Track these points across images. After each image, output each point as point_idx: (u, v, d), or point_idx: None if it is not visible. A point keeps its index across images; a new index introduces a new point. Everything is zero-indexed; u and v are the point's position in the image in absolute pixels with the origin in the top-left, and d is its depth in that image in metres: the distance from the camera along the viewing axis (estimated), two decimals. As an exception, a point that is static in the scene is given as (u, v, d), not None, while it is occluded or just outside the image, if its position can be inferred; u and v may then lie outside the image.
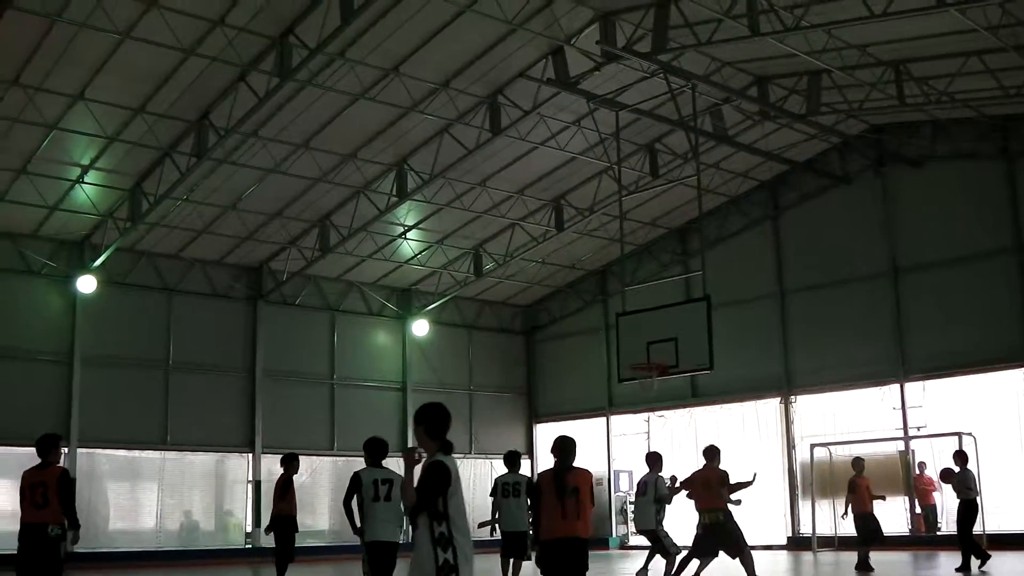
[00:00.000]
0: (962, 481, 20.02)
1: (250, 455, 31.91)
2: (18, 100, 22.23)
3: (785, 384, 31.96)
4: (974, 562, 19.67)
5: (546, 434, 38.13)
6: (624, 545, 35.51)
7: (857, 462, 21.76)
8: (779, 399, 32.13)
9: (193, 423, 30.75)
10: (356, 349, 35.05)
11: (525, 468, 23.46)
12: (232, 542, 31.50)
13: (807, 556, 27.38)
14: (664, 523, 18.49)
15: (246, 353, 32.43)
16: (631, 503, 35.30)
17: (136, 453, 30.26)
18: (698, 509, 17.60)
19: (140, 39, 20.41)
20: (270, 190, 28.01)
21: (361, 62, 22.63)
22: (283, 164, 26.60)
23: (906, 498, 28.52)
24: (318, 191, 28.43)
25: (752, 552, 17.47)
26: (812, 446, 29.72)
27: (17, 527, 13.17)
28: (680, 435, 34.10)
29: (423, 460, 7.93)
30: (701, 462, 17.63)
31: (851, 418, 30.52)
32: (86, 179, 26.14)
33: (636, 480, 35.45)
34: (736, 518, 17.54)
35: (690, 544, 18.24)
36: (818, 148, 30.94)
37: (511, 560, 17.78)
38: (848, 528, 26.63)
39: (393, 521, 13.35)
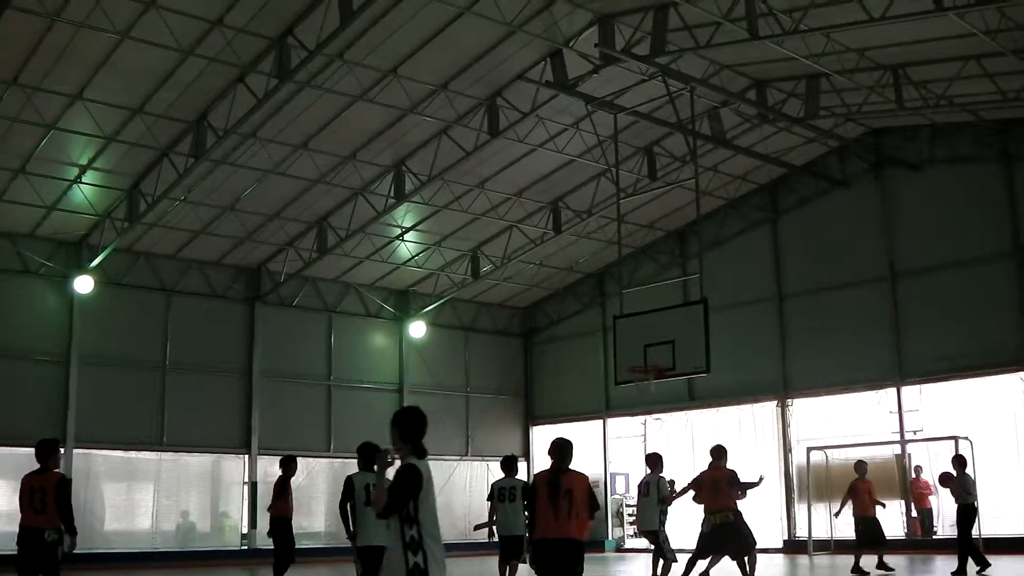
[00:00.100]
0: (961, 485, 20.02)
1: (246, 456, 31.91)
2: (16, 100, 22.23)
3: (782, 387, 31.95)
4: (972, 567, 19.65)
5: (543, 436, 38.11)
6: (620, 548, 35.51)
7: (859, 465, 21.77)
8: (776, 402, 32.12)
9: (190, 424, 30.72)
10: (353, 350, 35.04)
11: (522, 471, 23.49)
12: (228, 543, 31.49)
13: (803, 559, 27.38)
14: (666, 525, 18.48)
15: (243, 354, 32.42)
16: (628, 505, 35.54)
17: (132, 454, 30.24)
18: (708, 510, 17.65)
19: (139, 39, 20.40)
20: (268, 191, 28.00)
21: (360, 63, 22.63)
22: (281, 165, 26.59)
23: (902, 502, 28.50)
24: (316, 192, 28.43)
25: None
26: (809, 449, 29.72)
27: (13, 528, 13.25)
28: (677, 438, 34.05)
29: (394, 463, 7.93)
30: (697, 464, 17.68)
31: (848, 421, 30.49)
32: (84, 179, 26.13)
33: (636, 482, 35.73)
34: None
35: (696, 545, 18.29)
36: (817, 151, 30.95)
37: (508, 563, 17.79)
38: (843, 531, 26.80)
39: (385, 525, 13.33)
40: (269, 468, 31.32)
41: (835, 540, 27.63)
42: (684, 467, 29.28)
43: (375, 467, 7.98)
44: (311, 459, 32.38)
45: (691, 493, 18.23)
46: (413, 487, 7.63)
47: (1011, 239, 27.63)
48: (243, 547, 31.25)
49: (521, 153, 27.91)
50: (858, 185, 30.91)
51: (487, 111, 25.46)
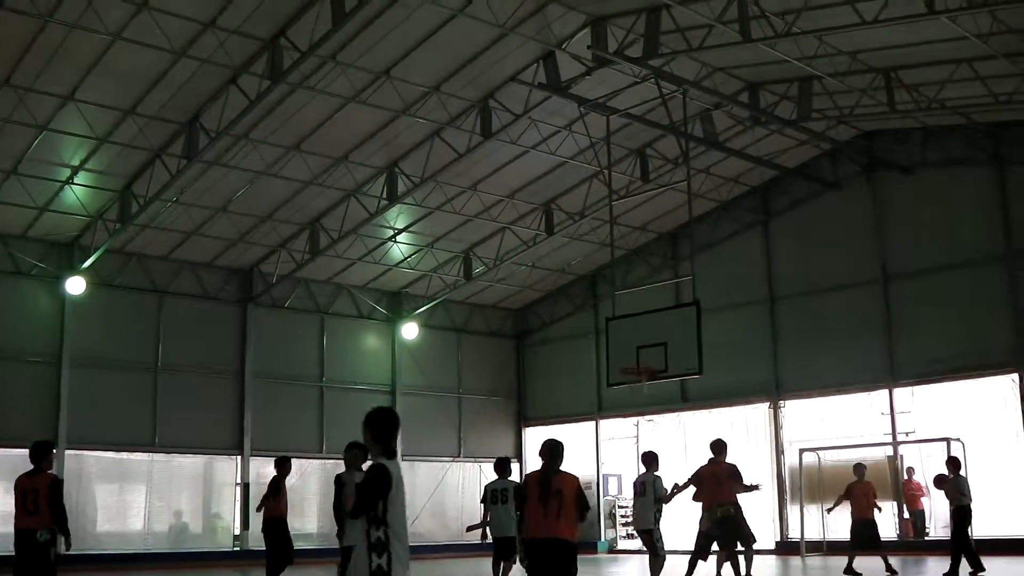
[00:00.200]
0: (956, 487, 20.07)
1: (239, 457, 31.88)
2: (9, 100, 22.20)
3: (774, 389, 31.99)
4: (965, 569, 19.69)
5: (535, 438, 38.06)
6: (612, 549, 35.51)
7: (857, 468, 21.80)
8: (768, 404, 32.16)
9: (182, 425, 30.68)
10: (345, 352, 35.04)
11: (515, 473, 23.48)
12: (220, 544, 31.46)
13: (795, 561, 27.42)
14: (661, 524, 18.51)
15: (235, 355, 32.39)
16: (621, 507, 35.58)
17: (124, 455, 30.19)
18: (709, 504, 17.76)
19: (131, 40, 20.38)
20: (260, 192, 27.99)
21: (352, 65, 22.64)
22: (274, 167, 26.58)
23: (894, 503, 28.55)
24: (309, 194, 28.42)
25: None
26: (801, 451, 29.76)
27: (8, 529, 13.33)
28: (669, 440, 34.07)
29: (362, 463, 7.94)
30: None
31: (840, 423, 30.55)
32: (76, 180, 26.11)
33: (628, 483, 35.73)
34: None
35: (695, 544, 18.40)
36: (809, 154, 30.99)
37: (501, 564, 17.83)
38: (836, 532, 26.87)
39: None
40: (261, 469, 31.29)
41: (827, 541, 27.70)
42: (677, 468, 29.27)
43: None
44: (303, 460, 32.33)
45: (691, 490, 18.35)
46: (382, 487, 7.61)
47: (1002, 242, 27.69)
48: (235, 548, 31.22)
49: (514, 155, 27.91)
50: (850, 187, 30.95)
51: (480, 113, 25.47)
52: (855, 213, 30.70)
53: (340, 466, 14.73)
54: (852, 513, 21.29)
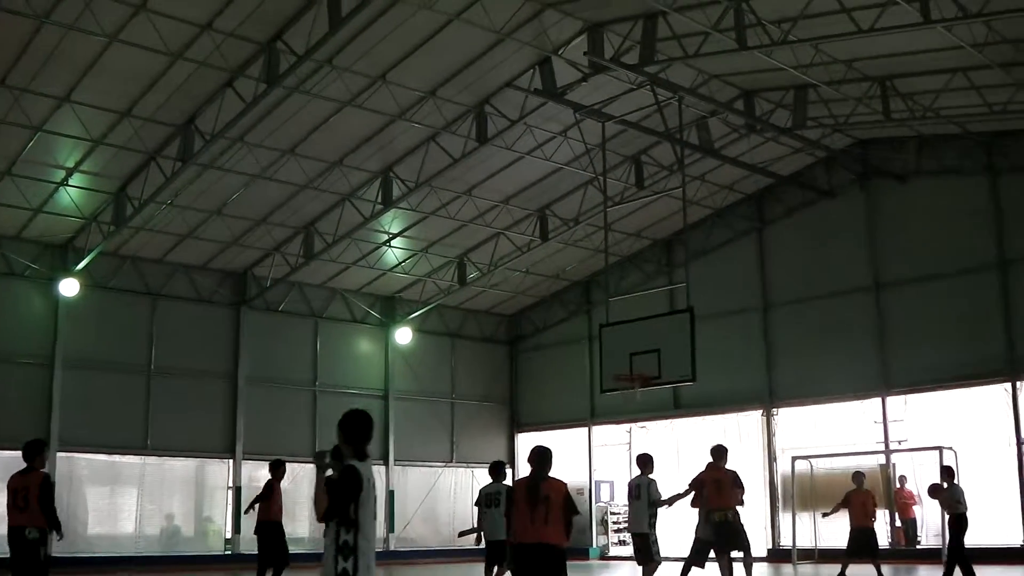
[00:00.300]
0: (952, 496, 20.09)
1: (231, 461, 31.85)
2: (4, 101, 22.17)
3: (767, 396, 32.00)
4: None
5: (528, 444, 37.82)
6: (604, 555, 35.50)
7: (856, 476, 21.79)
8: (761, 411, 32.17)
9: (174, 428, 30.62)
10: (339, 356, 35.01)
11: (509, 477, 23.48)
12: (212, 548, 31.42)
13: (787, 568, 27.43)
14: (656, 527, 18.51)
15: (229, 359, 32.35)
16: (613, 513, 35.58)
17: (116, 458, 30.14)
18: (708, 509, 17.82)
19: (127, 42, 20.37)
20: (255, 196, 27.97)
21: (348, 69, 22.64)
22: (269, 170, 26.56)
23: (886, 511, 28.56)
24: (303, 198, 28.41)
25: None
26: (793, 459, 29.78)
27: (2, 529, 13.41)
28: (662, 446, 34.06)
29: (329, 465, 7.93)
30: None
31: (833, 431, 30.56)
32: (71, 182, 26.08)
33: (621, 489, 35.71)
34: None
35: (691, 549, 18.47)
36: (804, 162, 31.03)
37: (494, 568, 17.82)
38: (828, 540, 26.90)
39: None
40: (254, 473, 31.31)
41: (819, 549, 27.72)
42: (669, 475, 29.28)
43: (325, 469, 7.98)
44: (296, 464, 32.23)
45: (691, 495, 18.46)
46: (353, 489, 7.60)
47: (995, 251, 27.74)
48: (227, 552, 31.20)
49: (509, 160, 27.92)
50: (845, 196, 30.99)
51: (475, 118, 25.47)
52: (849, 221, 30.74)
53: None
54: (850, 521, 21.28)
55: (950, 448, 25.98)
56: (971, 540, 20.12)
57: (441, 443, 37.22)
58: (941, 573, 19.61)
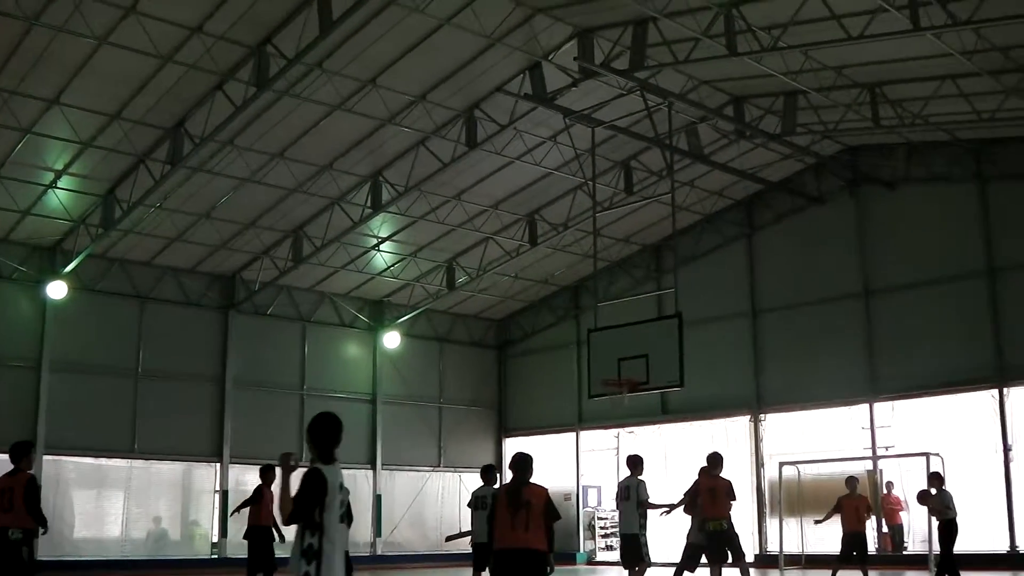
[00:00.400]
0: (941, 501, 20.13)
1: (218, 465, 31.78)
2: (-7, 103, 22.16)
3: (755, 402, 32.04)
4: None
5: (516, 449, 37.86)
6: (591, 560, 35.50)
7: (849, 481, 21.81)
8: (749, 417, 32.21)
9: (161, 432, 30.56)
10: (327, 360, 34.97)
11: (499, 481, 23.42)
12: (198, 552, 31.35)
13: (774, 574, 27.44)
14: (647, 528, 18.52)
15: (216, 362, 32.29)
16: (600, 518, 35.60)
17: (103, 461, 30.09)
18: (703, 518, 17.84)
19: (117, 45, 20.34)
20: (244, 199, 27.93)
21: (339, 73, 22.62)
22: (258, 173, 26.54)
23: (873, 517, 28.57)
24: (293, 201, 28.38)
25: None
26: (781, 464, 29.76)
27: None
28: (650, 452, 34.03)
29: (296, 467, 7.93)
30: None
31: (820, 437, 30.60)
32: (59, 184, 26.01)
33: (609, 493, 35.74)
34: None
35: (682, 555, 18.52)
36: (793, 168, 31.07)
37: (482, 571, 17.82)
38: (814, 546, 26.93)
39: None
40: (241, 477, 31.26)
41: (806, 555, 27.72)
42: (657, 481, 29.29)
43: (292, 471, 7.97)
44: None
45: (684, 503, 18.55)
46: (317, 493, 7.57)
47: (984, 258, 27.82)
48: (213, 556, 31.12)
49: (498, 165, 27.92)
50: (834, 202, 31.05)
51: (465, 123, 25.48)
52: (839, 228, 30.80)
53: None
54: (842, 526, 21.29)
55: (937, 454, 25.99)
56: (958, 546, 20.17)
57: (429, 447, 37.20)
58: None
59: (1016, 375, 27.04)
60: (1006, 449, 27.10)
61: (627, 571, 18.56)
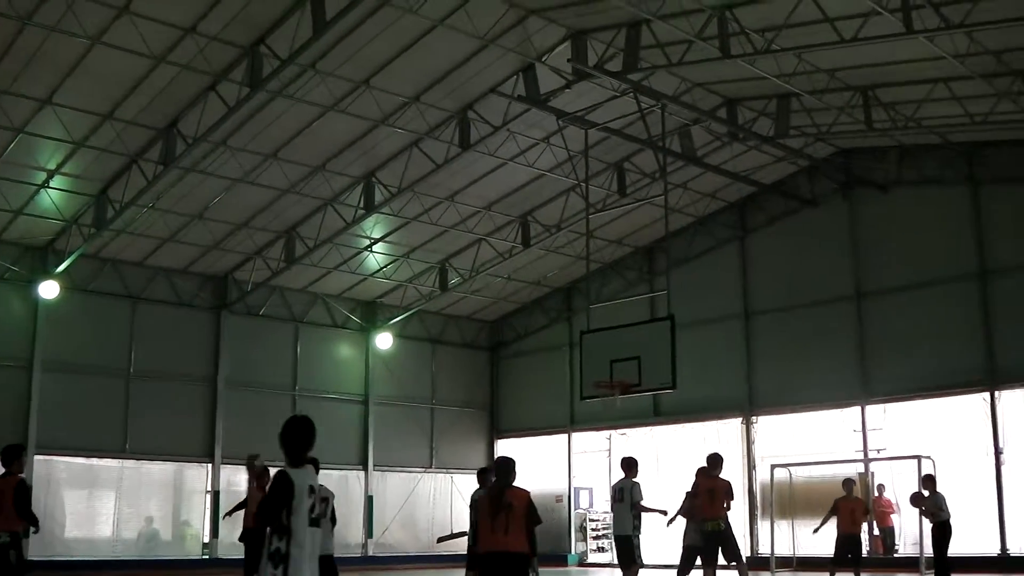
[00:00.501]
0: (934, 504, 20.16)
1: (209, 465, 31.72)
2: (-15, 103, 22.13)
3: (747, 404, 32.07)
4: None
5: (508, 450, 38.09)
6: (583, 562, 35.49)
7: (846, 483, 21.80)
8: (740, 419, 32.23)
9: (153, 432, 30.51)
10: (319, 361, 34.94)
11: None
12: (190, 552, 31.31)
13: (764, 575, 27.48)
14: (640, 529, 18.55)
15: (208, 362, 32.24)
16: (592, 520, 35.60)
17: (95, 461, 30.02)
18: (701, 518, 17.88)
19: (110, 45, 20.33)
20: (237, 200, 27.90)
21: (332, 74, 22.61)
22: (251, 174, 26.51)
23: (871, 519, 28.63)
24: (285, 202, 28.36)
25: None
26: (772, 466, 29.78)
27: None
28: (642, 454, 34.05)
29: (258, 469, 7.92)
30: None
31: (812, 439, 30.63)
32: (52, 184, 25.97)
33: (601, 495, 35.83)
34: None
35: (681, 557, 18.56)
36: (786, 171, 31.10)
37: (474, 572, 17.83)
38: (806, 548, 26.93)
39: (326, 537, 13.70)
40: (232, 477, 31.22)
41: (798, 557, 27.74)
42: (649, 482, 29.31)
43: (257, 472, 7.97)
44: (274, 470, 32.09)
45: (682, 505, 18.67)
46: (283, 496, 7.55)
47: (976, 261, 27.86)
48: (204, 556, 31.09)
49: (491, 167, 27.92)
50: (827, 205, 31.09)
51: (458, 124, 25.47)
52: (831, 230, 30.84)
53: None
54: (838, 528, 21.30)
55: (928, 457, 26.01)
56: (950, 549, 20.21)
57: (421, 449, 37.18)
58: None
59: (1008, 378, 27.09)
60: (997, 452, 27.14)
61: (622, 572, 18.59)
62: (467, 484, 18.42)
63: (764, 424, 31.94)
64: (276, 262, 30.99)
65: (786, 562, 28.18)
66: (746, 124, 26.55)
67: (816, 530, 22.04)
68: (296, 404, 33.72)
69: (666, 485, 28.92)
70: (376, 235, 31.20)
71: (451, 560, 19.36)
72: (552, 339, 37.71)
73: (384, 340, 35.82)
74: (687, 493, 18.79)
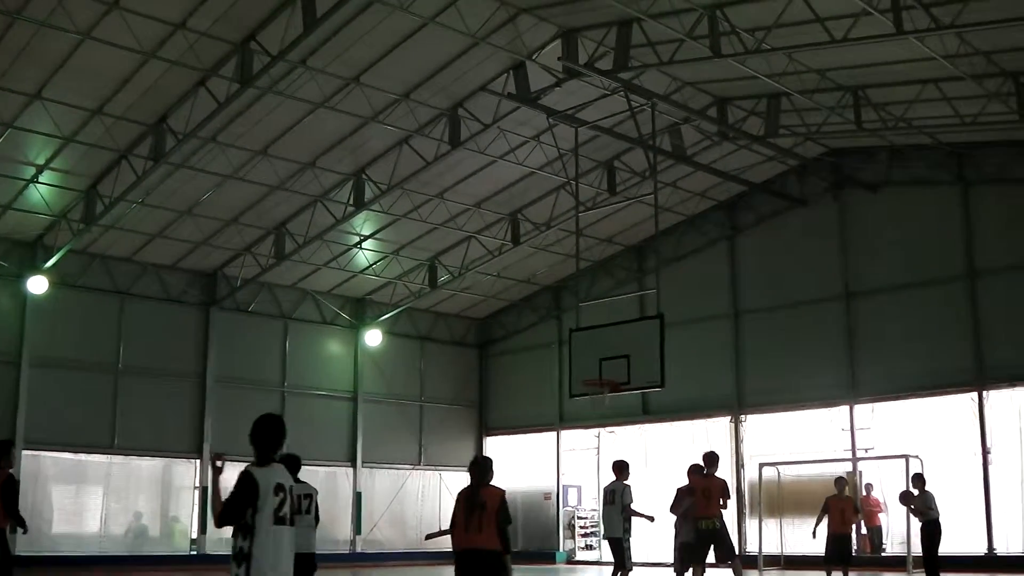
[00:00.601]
0: (923, 502, 20.18)
1: (198, 461, 31.67)
2: (-26, 98, 22.06)
3: (736, 403, 32.10)
4: None
5: (497, 447, 38.15)
6: (571, 560, 35.50)
7: (838, 481, 21.81)
8: (729, 418, 32.27)
9: (141, 428, 30.48)
10: (308, 358, 34.91)
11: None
12: (177, 548, 31.27)
13: (753, 574, 27.46)
14: (631, 532, 18.57)
15: (197, 359, 32.19)
16: (580, 518, 35.62)
17: (82, 456, 29.96)
18: (696, 516, 17.90)
19: (100, 40, 20.27)
20: (227, 196, 27.87)
21: (322, 71, 22.59)
22: (241, 170, 26.48)
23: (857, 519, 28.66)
24: (275, 198, 28.33)
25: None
26: (761, 465, 29.81)
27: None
28: (630, 452, 34.08)
29: (221, 467, 7.91)
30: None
31: (800, 438, 30.68)
32: (41, 179, 25.92)
33: (588, 494, 35.87)
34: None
35: (678, 556, 18.58)
36: (776, 170, 31.12)
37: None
38: (794, 547, 26.98)
39: (308, 534, 13.68)
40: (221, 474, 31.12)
41: (785, 556, 27.79)
42: (637, 481, 29.32)
43: (220, 471, 7.94)
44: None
45: (671, 504, 18.68)
46: (246, 495, 7.52)
47: (965, 261, 27.92)
48: (192, 552, 31.06)
49: (481, 164, 27.91)
50: (816, 204, 31.13)
51: (448, 121, 25.47)
52: (821, 230, 30.87)
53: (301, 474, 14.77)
54: (828, 527, 21.32)
55: (916, 456, 26.07)
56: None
57: (409, 446, 37.16)
58: None
59: (996, 378, 27.17)
60: (985, 452, 27.21)
61: (620, 572, 18.64)
62: (455, 481, 18.41)
63: (753, 423, 31.98)
64: (265, 258, 30.96)
65: (774, 561, 28.23)
66: (736, 123, 26.57)
67: (815, 532, 21.95)
68: (285, 401, 33.71)
69: (655, 484, 28.94)
70: (366, 232, 31.18)
71: (439, 557, 19.30)
72: (541, 337, 37.71)
73: (373, 337, 35.80)
74: (679, 490, 18.78)
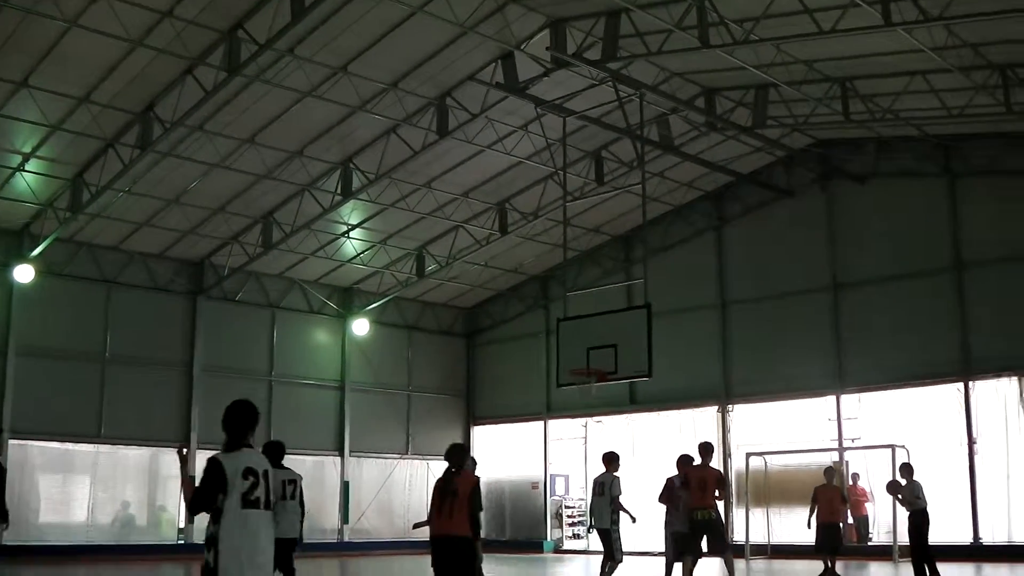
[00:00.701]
0: (911, 492, 20.22)
1: (185, 451, 31.59)
2: (-40, 86, 21.98)
3: (723, 393, 32.16)
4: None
5: (484, 437, 38.20)
6: (559, 549, 35.56)
7: (827, 472, 21.90)
8: (716, 408, 32.33)
9: (128, 417, 30.44)
10: (295, 347, 34.90)
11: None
12: (165, 537, 31.27)
13: (740, 563, 27.53)
14: (619, 523, 18.58)
15: (184, 348, 32.15)
16: (568, 507, 35.67)
17: (69, 446, 29.92)
18: (692, 507, 17.92)
19: (87, 28, 20.18)
20: (214, 185, 27.82)
21: (310, 60, 22.54)
22: (228, 159, 26.43)
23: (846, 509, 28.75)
24: (262, 187, 28.29)
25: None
26: (748, 455, 29.91)
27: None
28: (618, 441, 34.12)
29: (185, 454, 7.92)
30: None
31: (787, 428, 30.76)
32: (27, 167, 25.86)
33: (576, 483, 35.90)
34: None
35: (671, 547, 18.59)
36: (763, 161, 31.16)
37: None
38: (780, 536, 27.07)
39: (292, 519, 14.00)
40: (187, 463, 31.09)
41: (772, 545, 27.87)
42: (625, 470, 29.35)
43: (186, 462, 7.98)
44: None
45: (659, 494, 18.76)
46: (214, 481, 7.53)
47: (951, 253, 28.00)
48: (180, 541, 31.06)
49: (469, 154, 27.89)
50: (804, 195, 31.16)
51: (436, 111, 25.45)
52: (808, 221, 30.92)
53: (287, 461, 14.76)
54: (817, 517, 21.39)
55: (902, 446, 26.19)
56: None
57: (397, 435, 37.18)
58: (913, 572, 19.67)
59: (982, 369, 27.28)
60: (971, 442, 27.33)
61: (609, 562, 18.65)
62: (442, 470, 18.32)
63: (740, 412, 32.05)
64: (253, 247, 30.92)
65: (761, 550, 28.33)
66: (724, 114, 26.59)
67: (809, 522, 21.96)
68: (272, 390, 33.71)
69: (642, 473, 29.01)
70: (353, 221, 31.16)
71: (427, 546, 19.40)
72: (528, 326, 37.73)
73: (360, 326, 35.79)
74: (668, 479, 18.80)
